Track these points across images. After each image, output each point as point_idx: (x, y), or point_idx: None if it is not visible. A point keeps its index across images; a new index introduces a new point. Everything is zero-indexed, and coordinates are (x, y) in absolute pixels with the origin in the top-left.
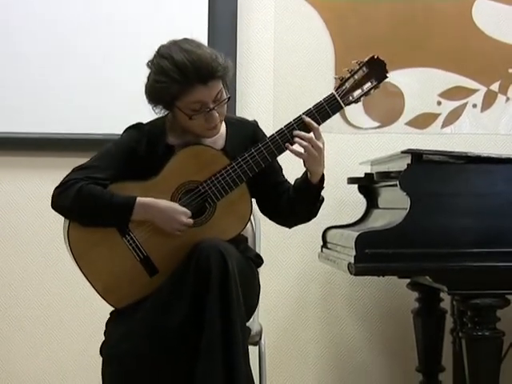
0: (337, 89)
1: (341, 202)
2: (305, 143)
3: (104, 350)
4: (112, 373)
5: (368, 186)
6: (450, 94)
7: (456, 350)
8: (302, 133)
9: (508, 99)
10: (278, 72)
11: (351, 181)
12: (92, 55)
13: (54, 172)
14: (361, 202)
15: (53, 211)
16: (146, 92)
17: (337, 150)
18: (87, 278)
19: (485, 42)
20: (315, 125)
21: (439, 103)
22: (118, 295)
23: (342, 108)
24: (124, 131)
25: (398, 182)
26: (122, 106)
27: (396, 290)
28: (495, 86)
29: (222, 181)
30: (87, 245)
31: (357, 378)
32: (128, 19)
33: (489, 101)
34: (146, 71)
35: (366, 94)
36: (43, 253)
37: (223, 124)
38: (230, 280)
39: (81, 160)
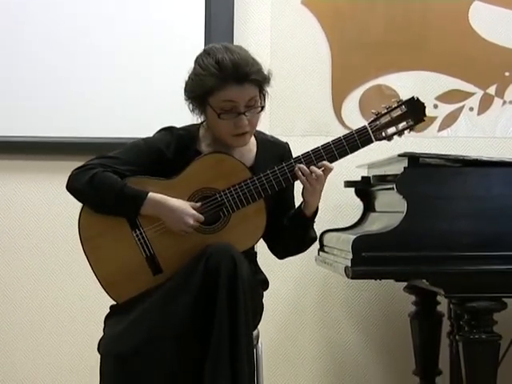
0: (370, 122)
1: (337, 206)
2: (308, 171)
3: (102, 346)
4: (110, 370)
5: (365, 189)
6: (446, 97)
7: (453, 353)
8: (311, 167)
9: (505, 102)
10: (275, 76)
11: (348, 184)
12: (88, 57)
13: (51, 176)
14: (357, 206)
15: (49, 216)
16: (184, 88)
17: None
18: (91, 265)
19: (481, 45)
20: (330, 165)
21: (436, 106)
22: (119, 288)
23: (371, 142)
24: (157, 132)
25: (394, 186)
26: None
27: (393, 294)
28: (492, 90)
29: (241, 193)
30: (96, 231)
31: (353, 381)
32: (124, 27)
33: (485, 104)
34: (142, 74)
35: (399, 132)
36: (39, 255)
37: (255, 142)
38: (239, 285)
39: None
